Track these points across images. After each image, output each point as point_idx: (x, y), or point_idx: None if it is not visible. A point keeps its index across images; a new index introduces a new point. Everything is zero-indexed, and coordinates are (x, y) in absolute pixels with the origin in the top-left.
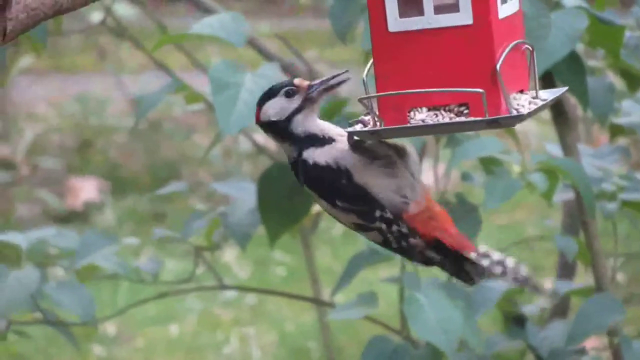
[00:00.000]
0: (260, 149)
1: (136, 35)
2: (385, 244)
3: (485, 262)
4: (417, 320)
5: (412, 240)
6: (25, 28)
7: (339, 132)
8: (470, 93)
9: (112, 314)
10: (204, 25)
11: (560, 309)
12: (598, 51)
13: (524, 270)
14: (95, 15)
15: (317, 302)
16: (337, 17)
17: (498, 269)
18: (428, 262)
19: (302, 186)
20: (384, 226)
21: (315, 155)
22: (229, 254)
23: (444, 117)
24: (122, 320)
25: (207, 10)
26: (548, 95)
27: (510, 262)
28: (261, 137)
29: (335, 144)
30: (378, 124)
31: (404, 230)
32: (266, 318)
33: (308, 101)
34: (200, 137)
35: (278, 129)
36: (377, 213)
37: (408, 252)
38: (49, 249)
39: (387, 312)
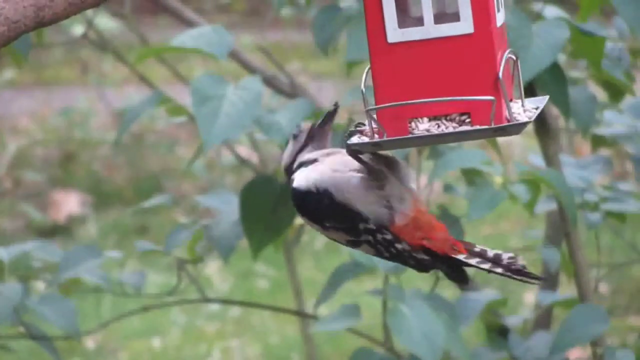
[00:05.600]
0: (243, 162)
1: (119, 49)
2: (378, 254)
3: (475, 261)
4: (400, 332)
5: (398, 246)
6: (6, 41)
7: (326, 152)
8: (471, 101)
9: (95, 327)
10: (186, 37)
11: (543, 319)
12: (580, 62)
13: (519, 261)
14: (78, 29)
15: (301, 314)
16: (319, 29)
17: (491, 265)
18: (424, 266)
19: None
20: (370, 237)
21: (298, 179)
22: (211, 267)
23: (447, 127)
24: (106, 333)
25: (190, 23)
26: (531, 103)
27: (505, 255)
28: (244, 150)
29: (317, 164)
30: (378, 134)
31: (388, 237)
32: (250, 330)
33: (311, 139)
34: (184, 150)
35: (289, 172)
36: (361, 226)
37: (401, 258)
38: (32, 263)
39: (372, 324)
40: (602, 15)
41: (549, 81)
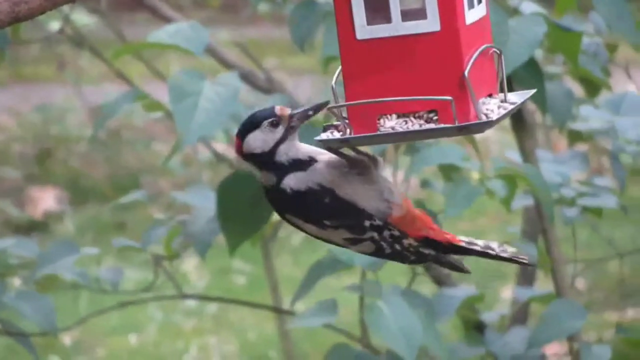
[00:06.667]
0: (220, 157)
1: (96, 45)
2: (378, 252)
3: (477, 247)
4: (378, 328)
5: (405, 242)
6: None
7: (318, 151)
8: (439, 100)
9: (72, 323)
10: (163, 34)
11: (520, 315)
12: (557, 57)
13: (509, 248)
14: (54, 25)
15: (278, 310)
16: (296, 24)
17: (490, 251)
18: (421, 259)
19: (280, 215)
20: (375, 235)
21: (295, 182)
22: (188, 263)
23: (414, 124)
24: (83, 329)
25: (167, 19)
26: (517, 98)
27: (494, 244)
28: (221, 146)
29: (317, 164)
30: (348, 131)
31: (396, 233)
32: (227, 327)
33: (291, 130)
34: (161, 146)
35: (261, 160)
36: (367, 223)
37: (401, 255)
38: (9, 259)
39: (350, 320)
40: (579, 11)
41: (526, 77)
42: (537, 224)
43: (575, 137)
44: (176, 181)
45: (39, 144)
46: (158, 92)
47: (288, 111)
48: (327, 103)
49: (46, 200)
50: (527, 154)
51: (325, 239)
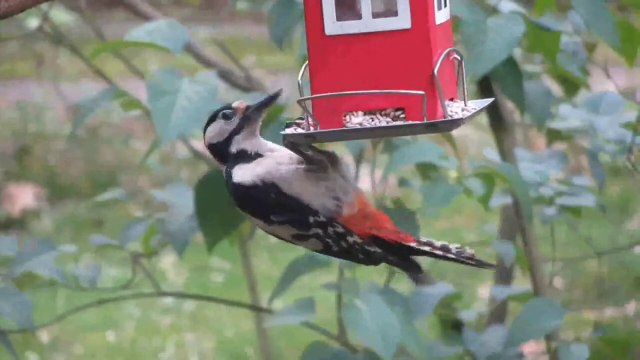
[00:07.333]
0: (198, 155)
1: (74, 42)
2: (327, 249)
3: (427, 248)
4: (355, 326)
5: (350, 239)
6: None
7: (270, 148)
8: (407, 96)
9: (50, 320)
10: (141, 32)
11: (498, 314)
12: (535, 56)
13: (467, 250)
14: (33, 22)
15: (255, 308)
16: (274, 22)
17: (442, 252)
18: (373, 260)
19: (236, 207)
20: (320, 231)
21: (240, 174)
22: (166, 261)
23: (381, 121)
24: (61, 327)
25: (146, 17)
26: (476, 105)
27: (452, 245)
28: (199, 144)
29: (262, 159)
30: (313, 127)
31: (340, 230)
32: (204, 324)
33: (246, 121)
34: (139, 143)
35: (220, 151)
36: (311, 219)
37: (350, 253)
38: None
39: (327, 318)
40: (557, 10)
41: (504, 75)
42: (515, 223)
43: (553, 136)
44: (154, 179)
45: (17, 141)
46: (136, 89)
47: (245, 104)
48: (280, 92)
49: (24, 197)
50: (505, 153)
51: (274, 234)
